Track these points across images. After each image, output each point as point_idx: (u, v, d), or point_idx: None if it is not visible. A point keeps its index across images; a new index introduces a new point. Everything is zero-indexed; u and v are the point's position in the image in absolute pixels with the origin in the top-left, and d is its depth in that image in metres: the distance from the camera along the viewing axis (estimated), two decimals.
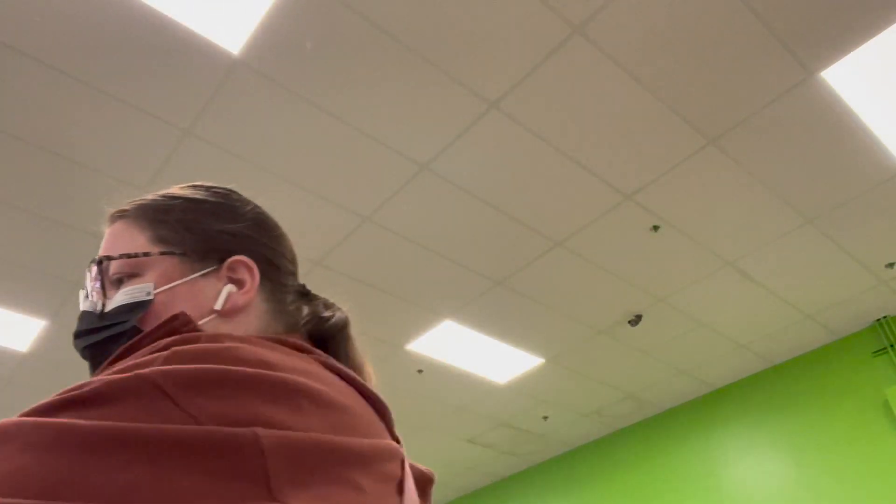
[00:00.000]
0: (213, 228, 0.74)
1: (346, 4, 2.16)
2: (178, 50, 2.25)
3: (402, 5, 2.19)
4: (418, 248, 3.19)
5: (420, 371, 4.14)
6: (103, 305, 0.69)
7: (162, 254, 0.71)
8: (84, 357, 0.71)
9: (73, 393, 0.46)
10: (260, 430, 0.46)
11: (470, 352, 4.03)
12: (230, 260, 0.73)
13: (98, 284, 0.70)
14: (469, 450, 5.21)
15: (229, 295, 0.71)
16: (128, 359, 0.53)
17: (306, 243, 3.13)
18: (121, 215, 0.76)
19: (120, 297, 0.69)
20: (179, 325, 0.62)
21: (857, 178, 3.02)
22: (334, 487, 0.49)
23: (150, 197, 0.77)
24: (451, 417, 4.71)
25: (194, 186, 0.80)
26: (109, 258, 0.71)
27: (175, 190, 0.78)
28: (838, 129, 2.77)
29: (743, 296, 3.71)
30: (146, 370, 0.48)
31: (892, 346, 3.94)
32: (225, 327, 0.70)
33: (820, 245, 3.39)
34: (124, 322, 0.68)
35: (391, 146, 2.68)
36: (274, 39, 2.26)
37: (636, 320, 3.83)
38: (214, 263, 0.72)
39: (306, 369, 0.58)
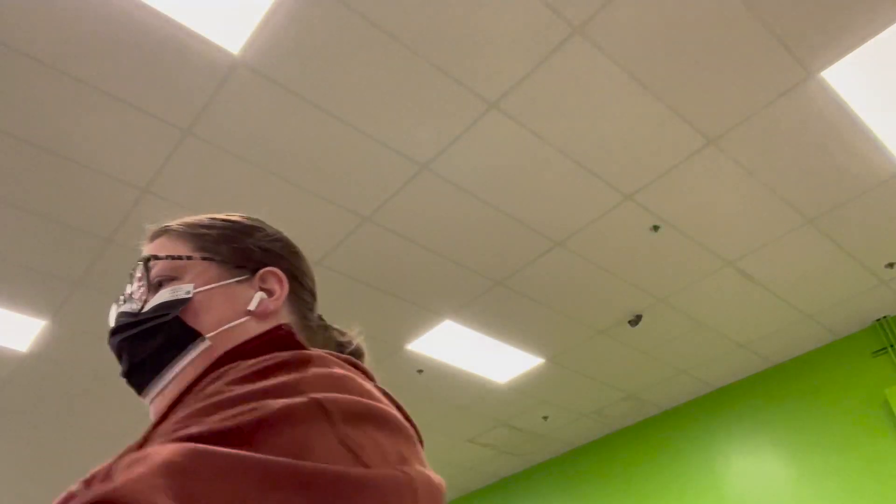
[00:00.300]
0: (247, 244, 0.82)
1: (346, 4, 2.16)
2: (179, 50, 2.25)
3: (402, 5, 2.19)
4: (418, 248, 3.19)
5: (420, 371, 4.14)
6: (144, 303, 0.75)
7: (203, 259, 0.78)
8: (119, 353, 0.75)
9: (247, 418, 0.48)
10: (412, 471, 0.53)
11: (470, 352, 4.03)
12: (262, 271, 0.80)
13: (144, 284, 0.76)
14: (469, 450, 5.21)
15: (261, 300, 0.78)
16: (244, 366, 0.58)
17: (306, 243, 3.11)
18: (164, 231, 0.83)
19: (162, 296, 0.75)
20: (284, 336, 0.70)
21: (858, 178, 3.02)
22: None
23: (191, 218, 0.85)
24: (451, 417, 4.71)
25: (229, 215, 0.87)
26: (156, 258, 0.77)
27: (212, 216, 0.86)
28: (838, 129, 2.77)
29: (743, 296, 3.71)
30: (319, 395, 0.52)
31: (892, 346, 3.94)
32: (256, 328, 0.76)
33: (820, 245, 3.39)
34: (164, 315, 0.73)
35: (391, 146, 2.68)
36: (274, 39, 2.25)
37: (636, 320, 3.83)
38: (248, 273, 0.80)
39: (381, 397, 0.64)
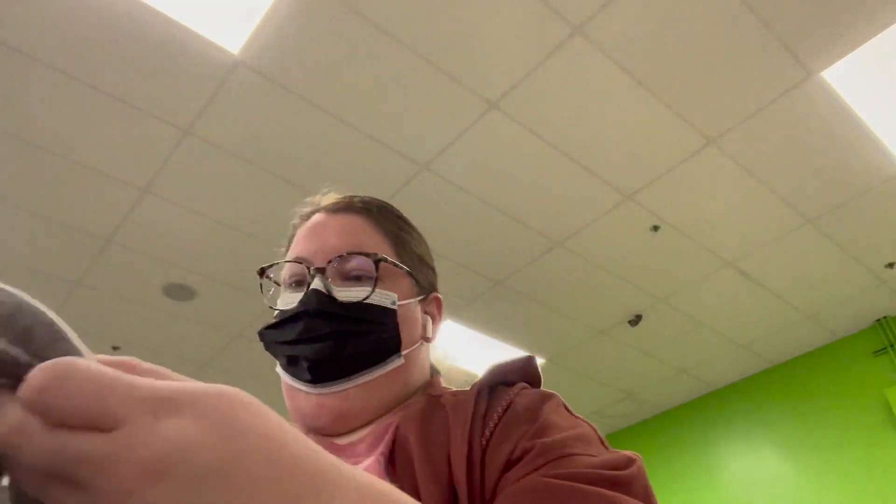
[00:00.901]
0: (425, 259, 0.82)
1: (346, 4, 2.16)
2: (178, 50, 2.25)
3: (402, 5, 2.19)
4: None
5: None
6: (366, 297, 0.70)
7: (408, 272, 0.76)
8: (314, 338, 0.69)
9: (629, 470, 0.55)
10: None
11: (470, 352, 4.03)
12: (432, 295, 0.81)
13: (371, 279, 0.71)
14: None
15: (432, 326, 0.79)
16: (518, 393, 0.66)
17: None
18: (356, 210, 0.79)
19: (367, 295, 0.71)
20: (534, 370, 0.73)
21: (857, 178, 3.02)
22: None
23: (374, 201, 0.82)
24: None
25: (405, 219, 0.84)
26: (385, 260, 0.73)
27: (396, 210, 0.84)
28: (838, 129, 2.77)
29: (743, 296, 3.71)
30: (631, 454, 0.58)
31: (892, 346, 3.94)
32: (423, 353, 0.77)
33: (820, 245, 3.39)
34: (384, 324, 0.71)
35: (391, 146, 2.68)
36: (274, 39, 2.26)
37: (636, 320, 3.83)
38: (424, 294, 0.79)
39: None
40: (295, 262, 0.74)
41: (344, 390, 0.69)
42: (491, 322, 3.79)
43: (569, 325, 3.86)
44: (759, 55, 2.44)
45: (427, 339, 0.78)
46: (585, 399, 4.64)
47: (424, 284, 0.79)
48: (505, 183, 2.90)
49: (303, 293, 0.70)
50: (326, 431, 0.69)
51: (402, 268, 0.75)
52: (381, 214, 0.79)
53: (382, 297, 0.71)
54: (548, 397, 0.66)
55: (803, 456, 4.10)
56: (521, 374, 0.71)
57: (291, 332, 0.70)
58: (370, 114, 2.55)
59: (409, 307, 0.75)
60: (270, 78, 2.37)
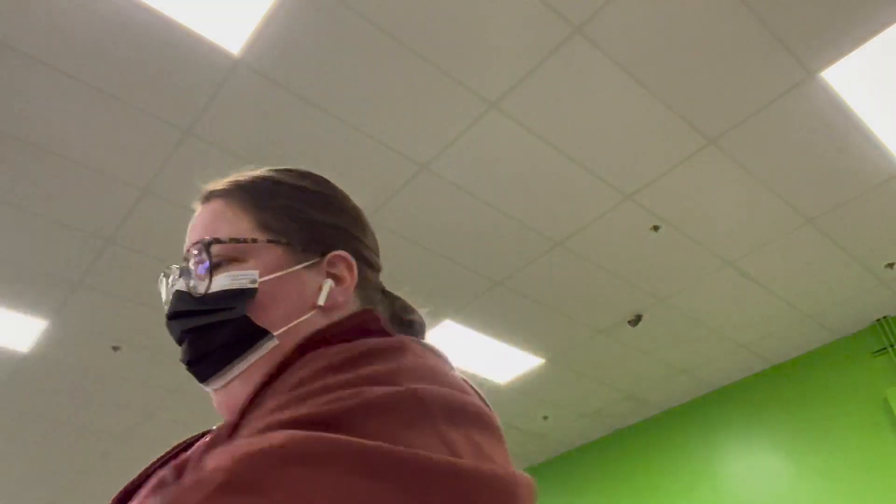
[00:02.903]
0: (316, 220, 0.73)
1: (345, 4, 2.16)
2: (179, 50, 2.25)
3: (402, 5, 2.19)
4: (418, 248, 3.19)
5: None
6: (207, 288, 0.67)
7: (269, 242, 0.69)
8: (180, 339, 0.69)
9: (355, 400, 0.46)
10: (518, 475, 0.50)
11: (470, 352, 4.03)
12: (331, 255, 0.72)
13: (205, 266, 0.68)
14: None
15: (330, 291, 0.70)
16: (334, 352, 0.55)
17: None
18: (220, 194, 0.74)
19: (223, 281, 0.67)
20: (369, 322, 0.64)
21: (857, 178, 3.02)
22: None
23: (250, 177, 0.75)
24: None
25: (295, 173, 0.77)
26: (219, 241, 0.68)
27: (276, 174, 0.76)
28: (838, 129, 2.77)
29: (743, 296, 3.71)
30: (417, 386, 0.49)
31: (892, 346, 3.94)
32: (322, 322, 0.68)
33: (820, 245, 3.39)
34: (232, 309, 0.66)
35: (391, 146, 2.68)
36: (274, 39, 2.26)
37: (636, 320, 3.83)
38: (316, 256, 0.71)
39: (467, 388, 0.60)
40: (176, 265, 0.73)
41: (224, 385, 0.67)
42: (491, 322, 3.79)
43: (569, 325, 3.86)
44: (759, 55, 2.44)
45: (321, 307, 0.69)
46: (585, 399, 4.64)
47: (313, 247, 0.71)
48: (505, 183, 2.90)
49: None
50: None
51: (251, 241, 0.68)
52: (245, 189, 0.73)
53: (235, 279, 0.66)
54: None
55: (803, 456, 4.10)
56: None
57: (174, 337, 0.70)
58: (370, 114, 2.55)
59: (281, 279, 0.68)
60: (270, 78, 2.37)
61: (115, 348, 3.65)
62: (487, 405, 0.63)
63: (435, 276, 3.39)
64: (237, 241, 0.68)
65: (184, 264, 0.71)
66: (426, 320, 0.83)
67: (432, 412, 0.49)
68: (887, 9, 2.32)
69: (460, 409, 0.53)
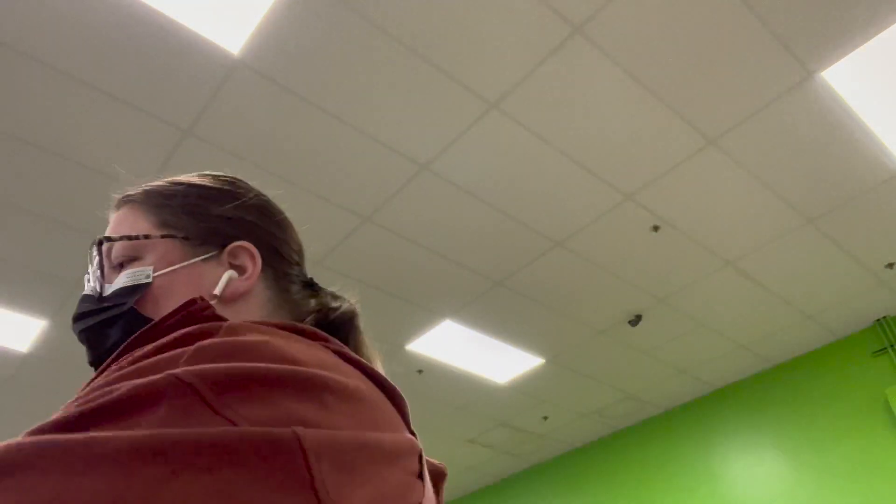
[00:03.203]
0: (214, 213, 0.73)
1: (345, 4, 2.16)
2: (178, 50, 2.25)
3: (402, 5, 2.19)
4: (418, 248, 3.19)
5: (420, 371, 4.14)
6: (102, 288, 0.68)
7: (163, 237, 0.70)
8: (81, 341, 0.70)
9: (99, 401, 0.42)
10: (300, 430, 0.42)
11: (470, 352, 4.03)
12: (231, 245, 0.72)
13: (98, 267, 0.70)
14: (469, 450, 5.21)
15: (230, 280, 0.69)
16: (145, 348, 0.49)
17: (306, 244, 3.12)
18: (127, 200, 0.76)
19: (120, 280, 0.68)
20: (197, 311, 0.59)
21: (857, 178, 3.02)
22: (369, 487, 0.46)
23: (156, 183, 0.76)
24: (451, 417, 4.71)
25: (201, 174, 0.79)
26: (110, 239, 0.70)
27: (181, 177, 0.77)
28: (838, 129, 2.77)
29: (743, 296, 3.71)
30: (178, 370, 0.43)
31: (892, 346, 3.94)
32: (225, 313, 0.64)
33: (820, 245, 3.39)
34: (122, 304, 0.67)
35: (391, 146, 2.68)
36: (274, 39, 2.26)
37: (636, 320, 3.83)
38: (215, 249, 0.71)
39: (325, 361, 0.54)
40: None
41: None
42: (491, 322, 3.79)
43: (569, 325, 3.86)
44: (759, 55, 2.44)
45: (225, 296, 0.68)
46: (585, 399, 4.64)
47: (213, 239, 0.71)
48: (505, 183, 2.90)
49: None
50: None
51: (143, 237, 0.69)
52: (144, 194, 0.74)
53: (131, 276, 0.67)
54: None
55: (803, 456, 4.10)
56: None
57: None
58: (370, 114, 2.55)
59: (176, 273, 0.68)
60: (270, 78, 2.37)
61: None
62: (389, 391, 0.58)
63: (435, 276, 3.39)
64: (129, 238, 0.70)
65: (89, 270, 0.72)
66: (352, 312, 0.78)
67: (200, 391, 0.42)
68: (887, 9, 2.32)
69: (263, 377, 0.45)
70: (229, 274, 0.69)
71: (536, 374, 4.26)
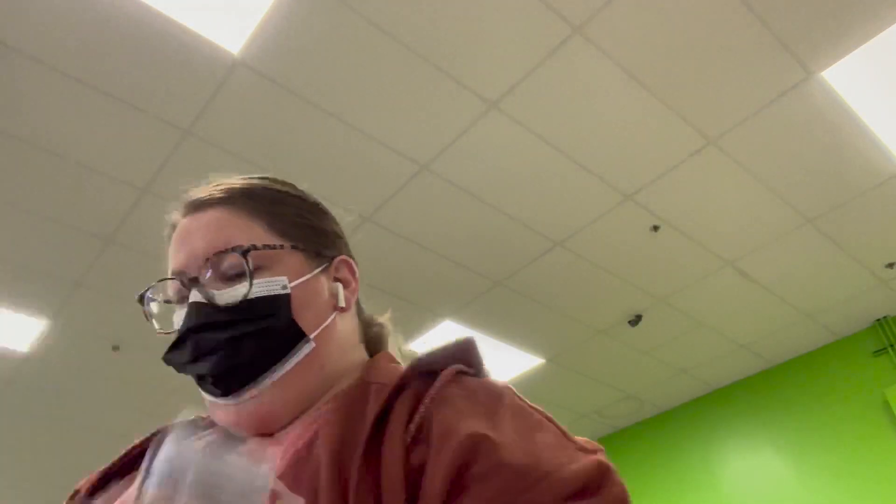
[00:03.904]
0: (320, 227, 0.75)
1: (346, 4, 2.16)
2: (178, 50, 2.25)
3: (402, 5, 2.19)
4: (418, 248, 3.19)
5: None
6: (245, 296, 0.65)
7: (292, 248, 0.70)
8: (205, 353, 0.65)
9: (590, 478, 0.53)
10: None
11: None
12: (337, 259, 0.74)
13: (244, 274, 0.66)
14: None
15: (344, 294, 0.72)
16: (470, 395, 0.59)
17: None
18: (217, 202, 0.71)
19: (257, 289, 0.65)
20: (473, 351, 0.67)
21: (857, 178, 3.02)
22: None
23: (243, 185, 0.74)
24: None
25: (279, 181, 0.78)
26: (255, 248, 0.67)
27: (267, 182, 0.76)
28: (838, 129, 2.77)
29: (743, 296, 3.71)
30: (606, 463, 0.55)
31: (892, 346, 3.94)
32: (340, 325, 0.71)
33: (820, 245, 3.39)
34: (273, 315, 0.65)
35: (391, 146, 2.68)
36: (274, 39, 2.25)
37: (636, 320, 3.83)
38: (326, 261, 0.73)
39: None
40: (171, 278, 0.70)
41: (257, 395, 0.64)
42: (491, 322, 3.79)
43: (569, 325, 3.86)
44: (759, 55, 2.44)
45: (341, 309, 0.71)
46: (585, 399, 4.64)
47: (324, 252, 0.73)
48: (505, 183, 2.90)
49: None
50: (254, 436, 0.66)
51: (279, 247, 0.69)
52: (247, 196, 0.72)
53: (268, 285, 0.66)
54: (496, 396, 0.60)
55: (803, 456, 4.10)
56: (456, 359, 0.65)
57: (186, 353, 0.66)
58: (370, 114, 2.55)
59: (306, 284, 0.69)
60: (270, 78, 2.37)
61: (115, 348, 3.65)
62: None
63: (435, 276, 3.39)
64: (270, 247, 0.68)
65: (194, 275, 0.67)
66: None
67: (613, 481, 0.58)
68: (887, 9, 2.32)
69: None
70: (339, 286, 0.73)
71: (536, 373, 4.26)
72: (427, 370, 0.62)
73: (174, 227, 0.74)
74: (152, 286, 0.73)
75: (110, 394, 4.02)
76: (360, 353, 0.75)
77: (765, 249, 3.39)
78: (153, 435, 0.70)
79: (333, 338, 0.70)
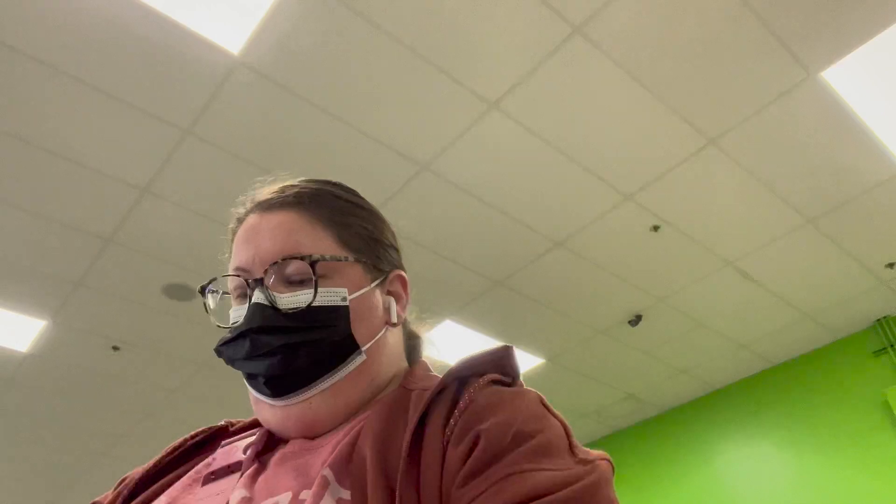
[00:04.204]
0: (382, 241, 0.76)
1: (346, 4, 2.16)
2: (179, 50, 2.25)
3: (402, 5, 2.19)
4: (418, 247, 3.19)
5: None
6: (309, 304, 0.66)
7: (355, 261, 0.71)
8: (263, 353, 0.66)
9: (599, 475, 0.58)
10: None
11: (470, 352, 4.02)
12: (393, 273, 0.75)
13: (309, 283, 0.67)
14: None
15: (396, 308, 0.74)
16: (512, 405, 0.60)
17: None
18: (289, 204, 0.72)
19: (322, 298, 0.67)
20: (509, 359, 0.67)
21: (857, 178, 3.02)
22: None
23: (312, 189, 0.75)
24: None
25: (345, 187, 0.79)
26: (323, 259, 0.68)
27: (336, 190, 0.77)
28: (838, 129, 2.77)
29: (743, 296, 3.71)
30: (598, 470, 0.59)
31: (892, 346, 3.94)
32: (390, 338, 0.73)
33: (820, 245, 3.39)
34: (333, 327, 0.67)
35: (391, 146, 2.68)
36: (274, 39, 2.26)
37: (636, 320, 3.83)
38: (381, 275, 0.74)
39: None
40: (234, 274, 0.70)
41: (306, 399, 0.66)
42: (491, 322, 3.79)
43: (569, 325, 3.86)
44: (759, 55, 2.44)
45: (392, 324, 0.73)
46: (585, 399, 4.64)
47: (382, 265, 0.74)
48: (505, 183, 2.90)
49: (246, 307, 0.67)
50: (298, 437, 0.67)
51: (345, 259, 0.70)
52: (317, 203, 0.73)
53: (329, 295, 0.67)
54: (517, 395, 0.62)
55: (803, 456, 4.10)
56: (493, 366, 0.66)
57: (241, 350, 0.67)
58: (370, 114, 2.55)
59: (363, 297, 0.70)
60: (270, 78, 2.37)
61: (115, 348, 3.65)
62: None
63: (435, 276, 3.39)
64: (336, 259, 0.69)
65: (258, 276, 0.68)
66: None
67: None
68: (887, 9, 2.32)
69: None
70: (391, 300, 0.74)
71: (536, 374, 4.26)
72: (464, 376, 0.64)
73: (240, 221, 0.75)
74: (215, 279, 0.73)
75: (110, 394, 4.02)
76: (403, 364, 0.77)
77: (765, 249, 3.39)
78: (199, 433, 0.73)
79: (383, 350, 0.71)
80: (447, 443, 0.57)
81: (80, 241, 2.97)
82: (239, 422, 0.77)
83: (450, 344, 3.94)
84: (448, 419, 0.59)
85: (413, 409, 0.62)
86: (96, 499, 0.72)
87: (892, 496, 3.66)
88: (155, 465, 0.71)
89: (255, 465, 0.65)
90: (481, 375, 0.64)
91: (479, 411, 0.59)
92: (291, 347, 0.66)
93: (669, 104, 2.61)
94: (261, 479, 0.62)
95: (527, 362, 4.16)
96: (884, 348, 3.97)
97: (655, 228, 3.21)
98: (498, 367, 0.66)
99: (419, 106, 2.54)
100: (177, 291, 3.32)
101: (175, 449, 0.72)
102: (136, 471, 0.72)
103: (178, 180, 2.72)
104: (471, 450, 0.55)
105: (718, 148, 2.82)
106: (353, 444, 0.61)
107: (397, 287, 0.76)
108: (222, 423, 0.77)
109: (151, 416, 4.29)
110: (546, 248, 3.28)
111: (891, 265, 3.58)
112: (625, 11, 2.26)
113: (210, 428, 0.75)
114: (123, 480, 0.72)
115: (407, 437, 0.58)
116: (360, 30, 2.24)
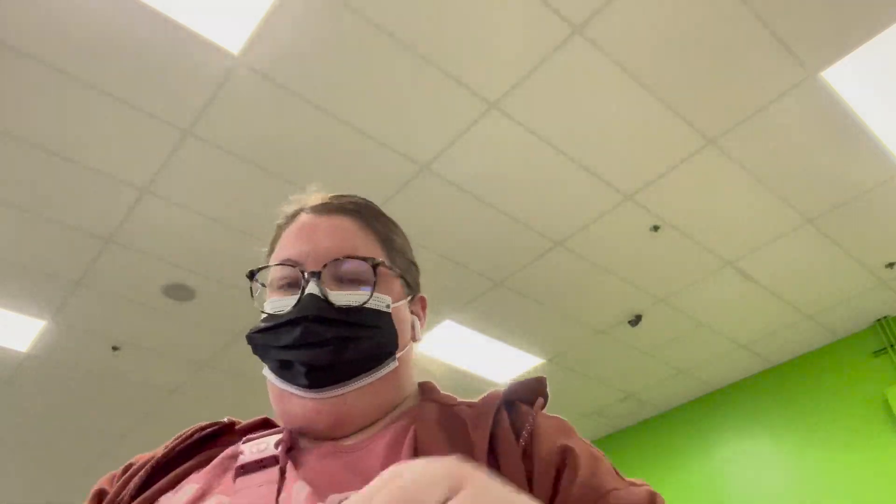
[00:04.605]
0: (414, 262, 0.83)
1: (346, 5, 2.16)
2: (179, 50, 2.25)
3: (402, 5, 2.19)
4: (418, 248, 3.17)
5: None
6: (364, 303, 0.70)
7: (398, 275, 0.76)
8: (313, 343, 0.67)
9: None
10: None
11: (470, 352, 4.03)
12: (418, 295, 0.82)
13: (366, 283, 0.71)
14: None
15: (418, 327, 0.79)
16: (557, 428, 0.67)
17: None
18: (347, 212, 0.78)
19: (372, 301, 0.70)
20: (546, 387, 0.74)
21: (857, 178, 3.01)
22: None
23: (363, 202, 0.82)
24: None
25: (391, 219, 0.85)
26: (383, 265, 0.73)
27: (377, 207, 0.84)
28: (838, 129, 2.77)
29: (743, 296, 3.71)
30: (655, 492, 0.65)
31: (892, 346, 3.94)
32: (412, 353, 0.78)
33: (820, 245, 3.39)
34: (379, 329, 0.70)
35: (391, 146, 2.68)
36: (274, 39, 2.26)
37: (636, 320, 3.83)
38: (412, 293, 0.80)
39: None
40: (286, 264, 0.72)
41: (342, 395, 0.68)
42: (491, 322, 3.79)
43: (569, 325, 3.86)
44: (759, 55, 2.44)
45: (416, 340, 0.79)
46: (585, 399, 4.64)
47: (412, 285, 0.80)
48: (505, 183, 2.90)
49: (295, 297, 0.69)
50: (323, 435, 0.68)
51: (395, 270, 0.75)
52: (370, 216, 0.79)
53: (378, 300, 0.71)
54: (566, 423, 0.70)
55: (803, 456, 4.10)
56: (537, 394, 0.72)
57: (288, 337, 0.68)
58: (370, 114, 2.55)
59: (400, 309, 0.74)
60: (270, 78, 2.37)
61: (115, 348, 3.65)
62: None
63: (435, 276, 3.39)
64: (388, 268, 0.74)
65: (315, 269, 0.70)
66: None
67: None
68: (887, 9, 2.32)
69: None
70: (416, 320, 0.80)
71: (536, 374, 4.25)
72: (512, 399, 0.71)
73: (291, 217, 0.80)
74: (264, 267, 0.76)
75: (110, 394, 4.02)
76: (415, 380, 0.81)
77: (765, 249, 3.39)
78: (206, 426, 0.74)
79: (407, 362, 0.76)
80: (521, 455, 0.62)
81: (80, 241, 2.97)
82: (240, 422, 0.78)
83: (450, 344, 3.94)
84: (520, 431, 0.65)
85: (472, 421, 0.66)
86: (101, 484, 0.72)
87: (893, 496, 3.66)
88: (166, 455, 0.71)
89: (289, 463, 0.65)
90: (531, 400, 0.71)
91: (549, 430, 0.65)
92: (342, 340, 0.68)
93: (669, 104, 2.61)
94: (309, 475, 0.62)
95: (527, 362, 4.16)
96: (884, 348, 3.97)
97: (655, 228, 3.21)
98: (541, 394, 0.73)
99: (419, 106, 2.54)
100: (177, 291, 3.32)
101: (185, 439, 0.73)
102: (142, 457, 0.72)
103: (178, 180, 2.72)
104: (562, 461, 0.62)
105: (718, 148, 2.82)
106: (413, 447, 0.63)
107: (419, 308, 0.82)
108: (226, 420, 0.77)
109: (151, 416, 4.29)
110: (546, 248, 3.28)
111: (891, 265, 3.58)
112: (625, 11, 2.26)
113: (215, 423, 0.76)
114: (130, 466, 0.72)
115: (482, 454, 0.62)
116: (360, 29, 2.24)
